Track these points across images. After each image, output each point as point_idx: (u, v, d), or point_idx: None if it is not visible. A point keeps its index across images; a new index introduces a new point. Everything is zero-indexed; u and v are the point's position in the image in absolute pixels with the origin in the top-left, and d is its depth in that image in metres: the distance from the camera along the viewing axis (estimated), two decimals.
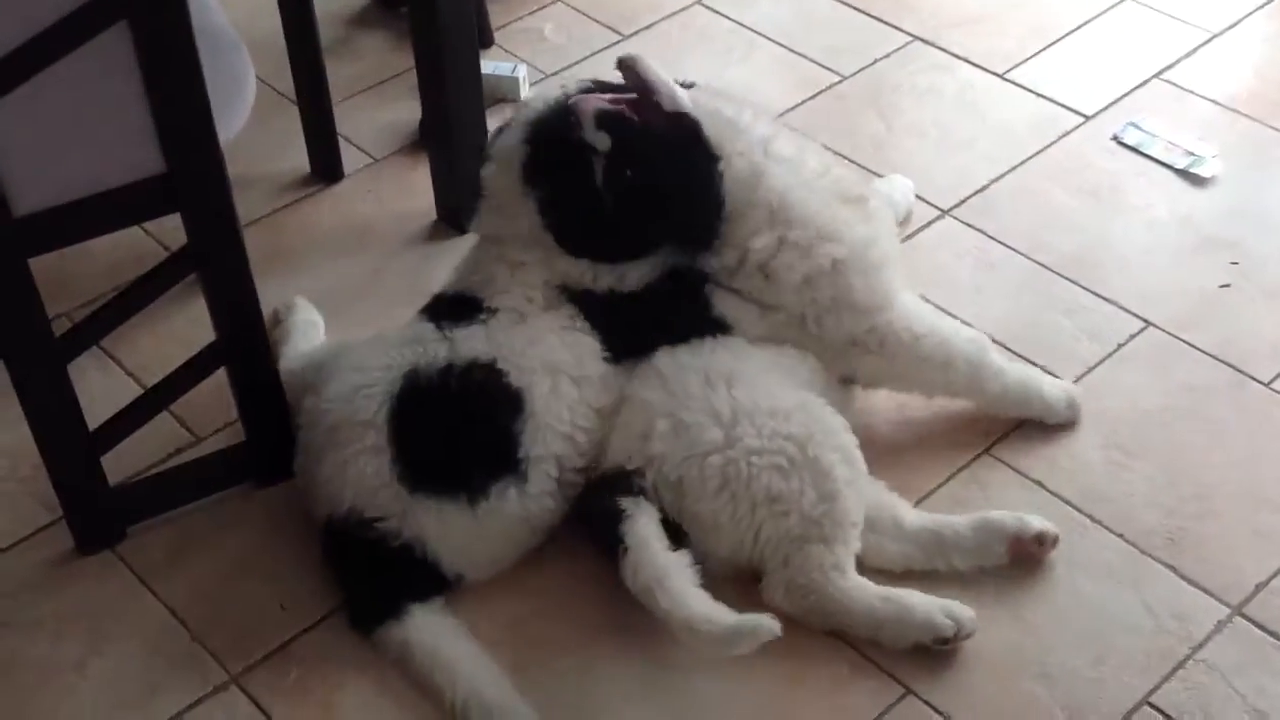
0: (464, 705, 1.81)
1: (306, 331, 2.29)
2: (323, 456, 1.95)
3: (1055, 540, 1.99)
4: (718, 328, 2.05)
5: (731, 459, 1.93)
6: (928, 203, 2.62)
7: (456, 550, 1.93)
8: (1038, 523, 1.99)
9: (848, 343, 2.09)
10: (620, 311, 2.03)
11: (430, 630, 1.88)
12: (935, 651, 1.88)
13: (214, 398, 2.16)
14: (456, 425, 1.91)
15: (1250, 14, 3.05)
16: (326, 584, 1.99)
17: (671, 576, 1.83)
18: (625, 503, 1.90)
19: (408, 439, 1.90)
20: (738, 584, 1.96)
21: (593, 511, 1.96)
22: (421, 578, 1.92)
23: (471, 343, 1.94)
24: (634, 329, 2.03)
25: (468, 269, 2.10)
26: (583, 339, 2.00)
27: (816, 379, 2.08)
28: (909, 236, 2.54)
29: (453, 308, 2.02)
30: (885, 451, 2.15)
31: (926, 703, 1.85)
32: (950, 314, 2.38)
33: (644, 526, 1.88)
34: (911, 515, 2.00)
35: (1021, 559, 1.98)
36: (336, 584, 1.99)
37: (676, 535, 1.93)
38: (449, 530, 1.91)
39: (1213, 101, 2.83)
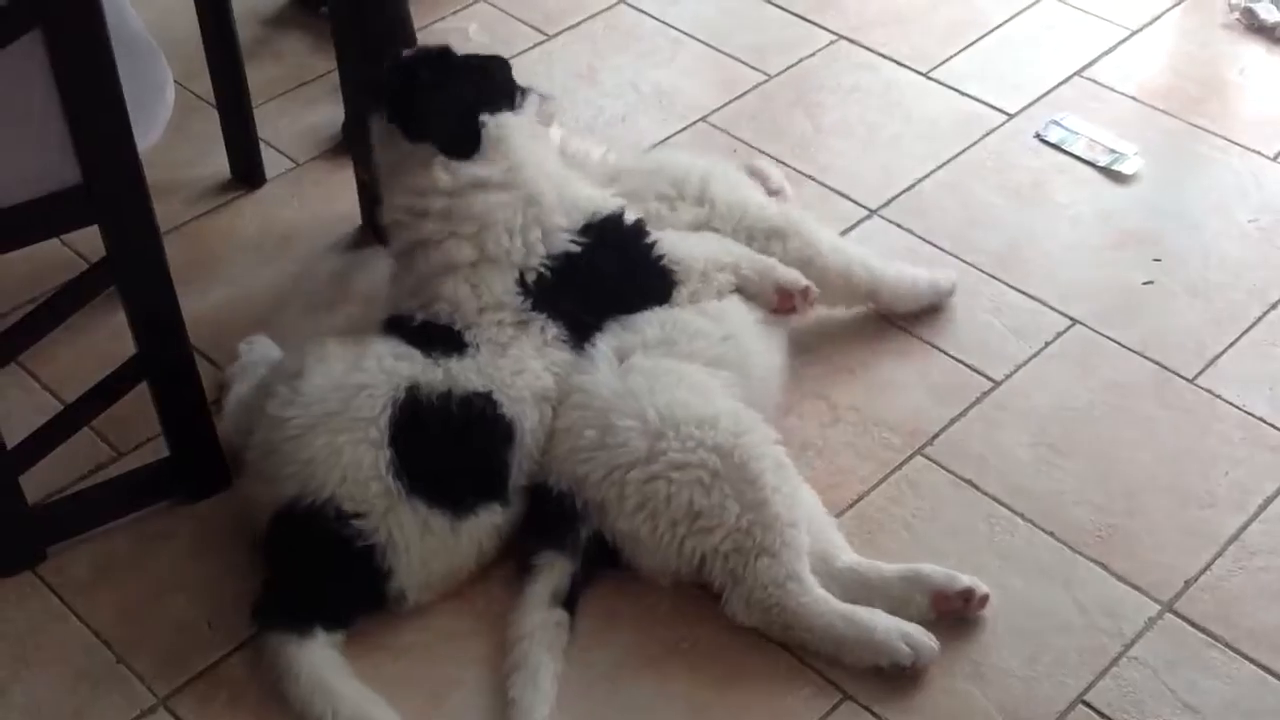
0: None
1: (260, 372, 2.19)
2: (311, 439, 1.91)
3: (984, 599, 1.93)
4: (665, 279, 2.13)
5: (652, 474, 1.93)
6: (855, 202, 2.62)
7: (420, 562, 1.92)
8: (966, 579, 1.93)
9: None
10: (572, 287, 2.07)
11: (322, 659, 1.85)
12: (891, 673, 1.87)
13: (136, 412, 2.11)
14: (456, 446, 1.95)
15: (1168, 10, 3.09)
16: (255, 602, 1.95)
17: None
18: None
19: (408, 444, 1.91)
20: (673, 590, 1.97)
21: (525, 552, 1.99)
22: (367, 588, 1.90)
23: (467, 375, 1.97)
24: (589, 304, 2.09)
25: (416, 291, 2.06)
26: (556, 354, 2.05)
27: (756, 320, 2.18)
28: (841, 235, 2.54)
29: (430, 335, 2.00)
30: (816, 455, 2.17)
31: (865, 707, 1.86)
32: (882, 315, 2.41)
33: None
34: (844, 556, 1.97)
35: (947, 614, 1.92)
36: (268, 574, 1.93)
37: (612, 553, 1.98)
38: (424, 539, 1.91)
39: (1132, 98, 2.86)
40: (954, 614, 1.93)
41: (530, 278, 2.05)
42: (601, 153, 2.38)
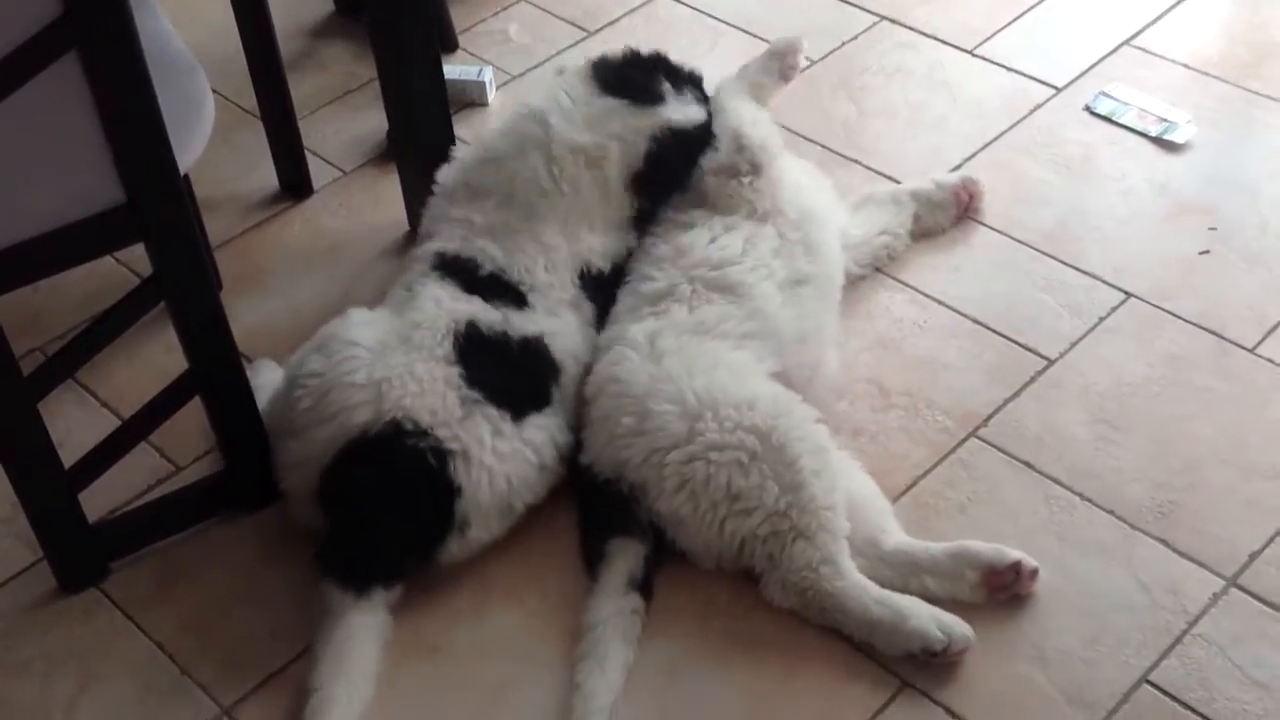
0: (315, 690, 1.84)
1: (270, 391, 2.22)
2: (383, 361, 1.96)
3: (1034, 573, 1.92)
4: None
5: (691, 455, 1.94)
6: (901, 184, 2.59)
7: (488, 477, 1.95)
8: (1015, 553, 1.92)
9: None
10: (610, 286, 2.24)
11: (364, 629, 1.88)
12: (923, 660, 1.85)
13: (194, 425, 2.14)
14: (516, 368, 2.05)
15: None
16: (315, 610, 1.95)
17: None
18: None
19: (475, 363, 2.00)
20: (731, 580, 1.97)
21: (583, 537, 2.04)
22: (435, 512, 1.93)
23: (525, 326, 2.08)
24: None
25: (487, 235, 2.16)
26: (591, 333, 2.18)
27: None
28: None
29: (495, 287, 2.11)
30: (869, 441, 2.15)
31: (924, 694, 1.84)
32: (931, 297, 2.38)
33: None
34: (893, 538, 1.96)
35: (997, 591, 1.91)
36: (329, 525, 1.96)
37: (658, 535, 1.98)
38: (493, 447, 1.96)
39: (1184, 66, 2.81)
40: (1005, 589, 1.91)
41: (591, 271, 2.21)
42: None
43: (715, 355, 2.04)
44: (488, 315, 2.06)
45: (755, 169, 2.25)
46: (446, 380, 1.97)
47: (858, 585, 1.88)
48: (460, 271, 2.12)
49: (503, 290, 2.11)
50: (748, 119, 2.33)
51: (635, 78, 2.29)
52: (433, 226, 2.26)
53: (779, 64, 2.52)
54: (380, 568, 1.92)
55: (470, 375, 1.98)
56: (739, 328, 2.09)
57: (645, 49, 2.36)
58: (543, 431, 2.03)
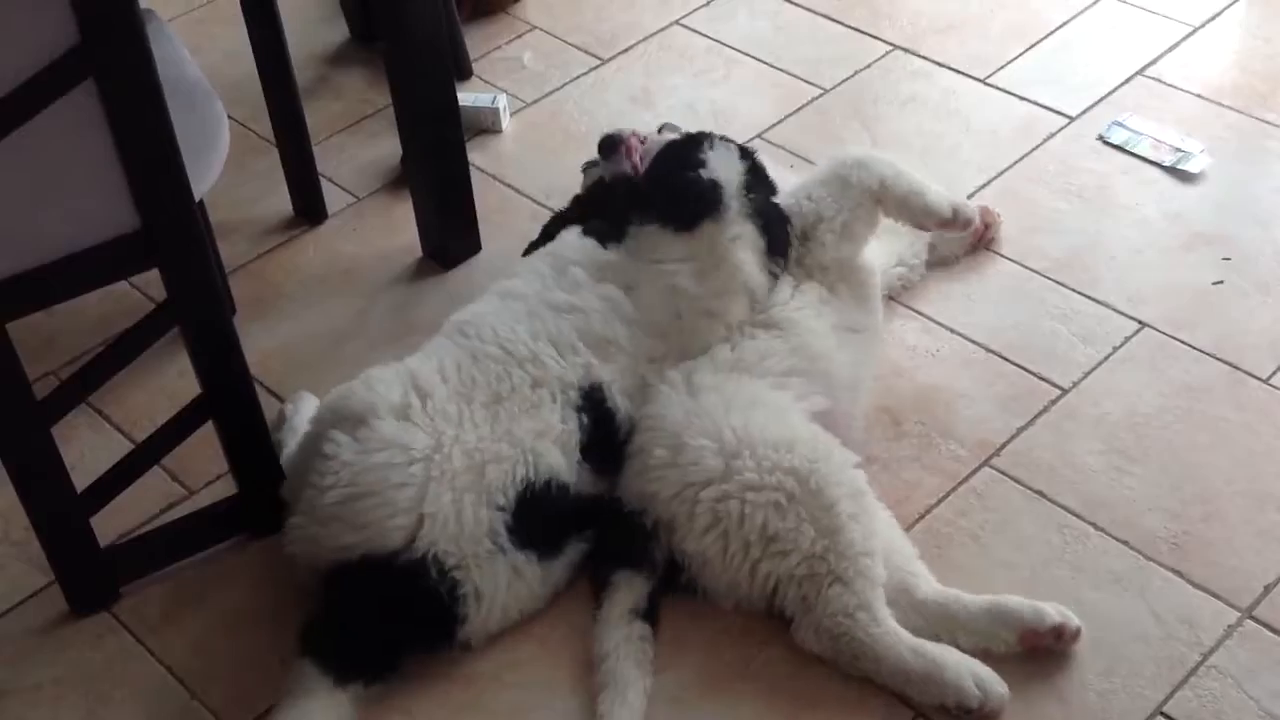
0: None
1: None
2: (429, 487, 1.88)
3: (1077, 633, 1.87)
4: None
5: (726, 493, 1.92)
6: None
7: (500, 609, 1.93)
8: (1056, 614, 1.87)
9: None
10: None
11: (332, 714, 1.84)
12: (955, 715, 1.82)
13: (207, 449, 2.14)
14: (563, 520, 1.98)
15: (1230, 5, 3.04)
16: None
17: None
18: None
19: (527, 514, 1.93)
20: (744, 611, 1.96)
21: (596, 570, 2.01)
22: (436, 635, 1.91)
23: (589, 487, 2.00)
24: None
25: (643, 401, 2.06)
26: None
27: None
28: None
29: (607, 449, 2.02)
30: (882, 470, 2.14)
31: None
32: (945, 325, 2.38)
33: None
34: (926, 586, 1.92)
35: (1037, 650, 1.87)
36: (328, 613, 1.91)
37: (677, 572, 1.96)
38: (508, 587, 1.92)
39: (1197, 96, 2.81)
40: (1044, 650, 1.87)
41: None
42: None
43: (753, 393, 2.01)
44: (568, 473, 1.97)
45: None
46: (490, 527, 1.90)
47: (893, 633, 1.85)
48: (597, 421, 2.01)
49: (608, 452, 2.02)
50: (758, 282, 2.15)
51: (688, 200, 2.15)
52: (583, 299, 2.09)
53: (938, 220, 2.27)
54: (371, 666, 1.88)
55: (516, 526, 1.91)
56: (781, 364, 2.07)
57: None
58: (565, 568, 1.99)
